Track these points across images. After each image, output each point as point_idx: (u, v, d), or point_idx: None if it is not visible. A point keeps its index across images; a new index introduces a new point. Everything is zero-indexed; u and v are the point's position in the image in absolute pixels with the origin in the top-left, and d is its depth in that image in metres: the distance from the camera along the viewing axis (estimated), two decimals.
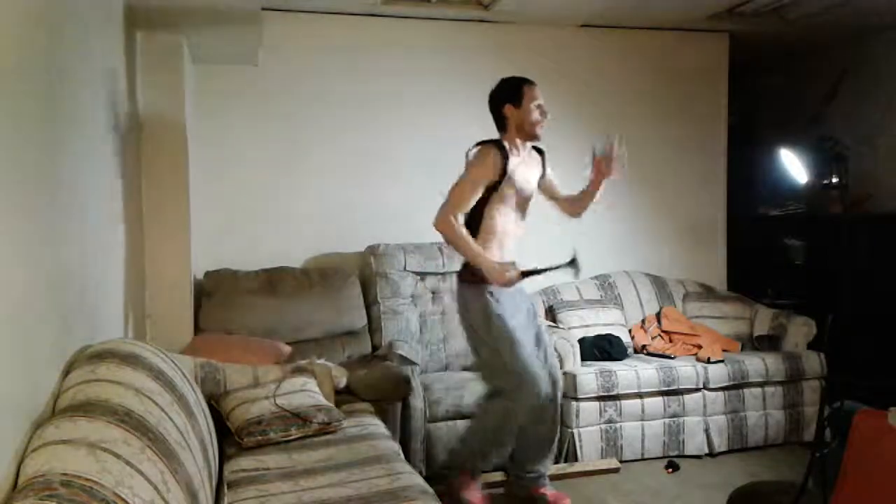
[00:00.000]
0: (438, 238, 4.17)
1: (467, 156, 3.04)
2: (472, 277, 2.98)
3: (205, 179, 3.96)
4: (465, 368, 4.01)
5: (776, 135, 5.26)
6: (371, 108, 4.26)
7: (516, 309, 3.02)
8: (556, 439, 3.27)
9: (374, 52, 4.26)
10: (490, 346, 2.98)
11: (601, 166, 3.01)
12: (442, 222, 2.95)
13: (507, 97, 3.03)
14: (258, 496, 2.08)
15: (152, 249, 3.34)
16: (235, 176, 4.09)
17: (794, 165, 4.91)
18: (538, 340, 3.12)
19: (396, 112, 4.30)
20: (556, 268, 2.96)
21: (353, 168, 4.25)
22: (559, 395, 3.21)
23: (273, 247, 4.10)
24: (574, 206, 3.20)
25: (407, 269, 4.03)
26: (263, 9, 3.38)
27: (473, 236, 2.97)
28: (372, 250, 4.06)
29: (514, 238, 3.06)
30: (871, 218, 4.70)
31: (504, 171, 2.95)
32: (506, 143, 3.02)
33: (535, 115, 2.98)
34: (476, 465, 3.18)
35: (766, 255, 5.15)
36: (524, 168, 3.04)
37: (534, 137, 3.03)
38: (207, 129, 3.98)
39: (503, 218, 3.00)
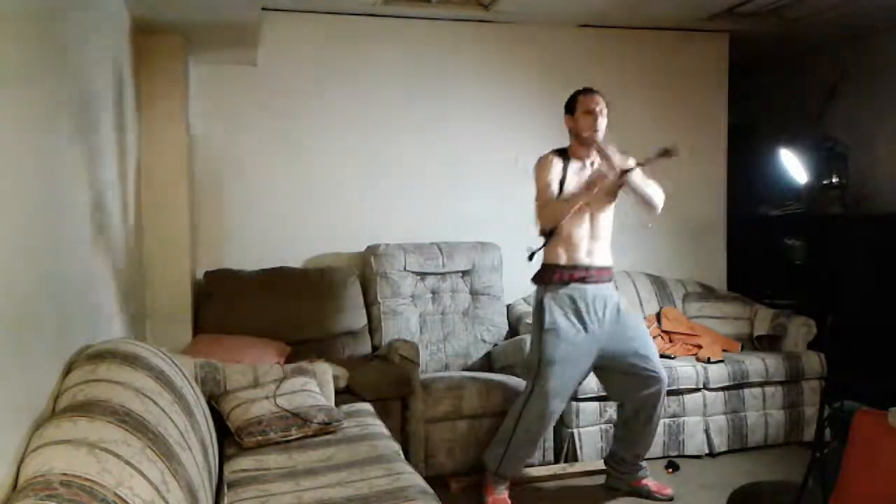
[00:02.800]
0: (438, 238, 4.24)
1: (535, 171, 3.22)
2: (538, 277, 3.19)
3: (205, 180, 3.96)
4: (465, 368, 4.02)
5: (776, 135, 5.26)
6: (371, 107, 4.26)
7: (576, 324, 3.10)
8: (653, 434, 3.32)
9: (374, 52, 4.26)
10: (535, 342, 3.16)
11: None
12: (542, 221, 3.13)
13: (566, 109, 3.21)
14: (258, 496, 2.07)
15: (152, 249, 3.34)
16: (235, 176, 4.09)
17: (794, 165, 4.91)
18: (632, 350, 3.17)
19: (396, 112, 4.30)
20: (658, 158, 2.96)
21: (353, 168, 4.25)
22: (663, 395, 3.23)
23: (273, 247, 4.10)
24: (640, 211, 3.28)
25: (407, 269, 4.04)
26: (263, 9, 3.39)
27: (549, 237, 3.15)
28: (372, 250, 4.06)
29: (585, 243, 3.14)
30: (871, 218, 4.70)
31: (564, 174, 3.12)
32: (569, 152, 3.19)
33: (583, 121, 3.11)
34: (497, 465, 3.21)
35: (766, 255, 5.15)
36: (576, 182, 3.13)
37: (584, 141, 3.14)
38: (207, 130, 3.98)
39: (569, 223, 3.09)
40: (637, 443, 3.31)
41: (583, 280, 3.12)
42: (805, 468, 2.20)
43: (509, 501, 3.21)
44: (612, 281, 3.26)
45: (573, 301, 3.11)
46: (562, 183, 3.12)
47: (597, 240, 3.16)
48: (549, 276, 3.14)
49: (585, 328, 3.10)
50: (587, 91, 3.17)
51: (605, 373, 3.29)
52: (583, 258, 3.13)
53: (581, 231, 3.13)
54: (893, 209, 4.61)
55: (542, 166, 3.16)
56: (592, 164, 3.17)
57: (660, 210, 3.19)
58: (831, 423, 2.33)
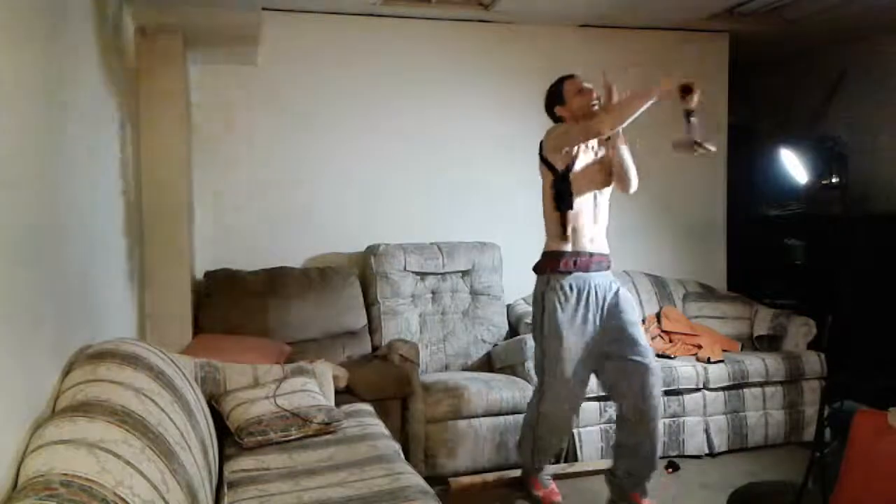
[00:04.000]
0: (438, 238, 4.24)
1: (542, 146, 3.12)
2: (541, 266, 3.11)
3: (205, 179, 3.96)
4: (465, 368, 4.02)
5: (776, 135, 5.26)
6: (370, 108, 4.26)
7: (580, 315, 3.02)
8: (656, 453, 3.09)
9: (374, 52, 4.26)
10: (538, 337, 3.09)
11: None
12: (605, 126, 2.93)
13: (554, 101, 3.18)
14: (258, 496, 2.08)
15: (152, 249, 3.34)
16: (235, 176, 4.08)
17: (794, 165, 4.90)
18: (622, 349, 3.06)
19: (396, 112, 4.30)
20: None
21: (353, 167, 4.24)
22: (656, 407, 3.06)
23: (273, 247, 4.10)
24: (617, 180, 3.18)
25: (407, 269, 4.04)
26: (264, 9, 3.40)
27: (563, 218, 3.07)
28: (372, 250, 4.06)
29: (588, 229, 3.08)
30: (871, 218, 4.70)
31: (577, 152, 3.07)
32: None
33: (580, 100, 3.11)
34: (531, 460, 3.23)
35: (766, 255, 5.14)
36: (585, 159, 3.11)
37: (590, 117, 3.04)
38: (207, 129, 3.98)
39: (575, 208, 3.06)
40: (636, 453, 3.08)
41: (586, 268, 3.05)
42: (805, 468, 2.20)
43: (557, 490, 3.29)
44: (610, 270, 3.17)
45: (576, 290, 3.02)
46: (572, 162, 3.05)
47: (598, 224, 3.12)
48: (553, 265, 3.05)
49: (585, 320, 3.02)
50: (567, 77, 3.18)
51: (602, 364, 3.13)
52: (586, 244, 3.07)
53: (586, 215, 3.07)
54: (893, 209, 4.61)
55: (557, 129, 3.09)
56: (593, 147, 3.14)
57: (633, 188, 3.13)
58: (831, 423, 2.33)
